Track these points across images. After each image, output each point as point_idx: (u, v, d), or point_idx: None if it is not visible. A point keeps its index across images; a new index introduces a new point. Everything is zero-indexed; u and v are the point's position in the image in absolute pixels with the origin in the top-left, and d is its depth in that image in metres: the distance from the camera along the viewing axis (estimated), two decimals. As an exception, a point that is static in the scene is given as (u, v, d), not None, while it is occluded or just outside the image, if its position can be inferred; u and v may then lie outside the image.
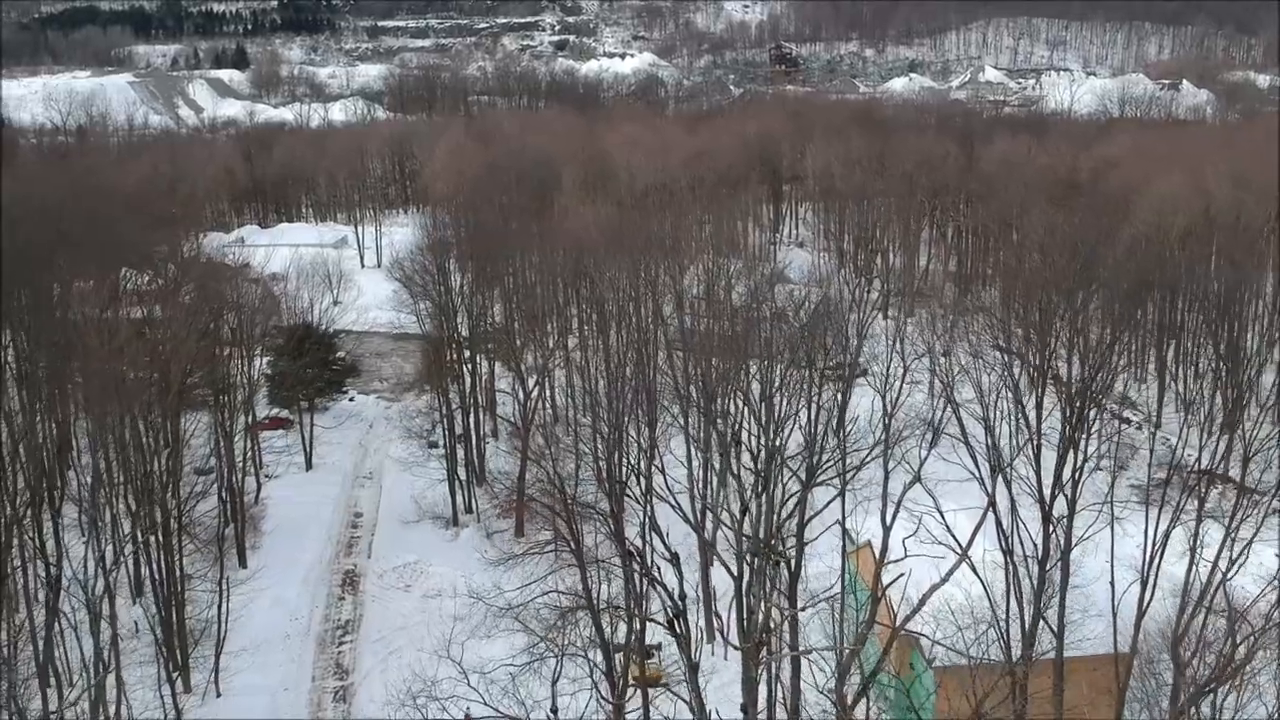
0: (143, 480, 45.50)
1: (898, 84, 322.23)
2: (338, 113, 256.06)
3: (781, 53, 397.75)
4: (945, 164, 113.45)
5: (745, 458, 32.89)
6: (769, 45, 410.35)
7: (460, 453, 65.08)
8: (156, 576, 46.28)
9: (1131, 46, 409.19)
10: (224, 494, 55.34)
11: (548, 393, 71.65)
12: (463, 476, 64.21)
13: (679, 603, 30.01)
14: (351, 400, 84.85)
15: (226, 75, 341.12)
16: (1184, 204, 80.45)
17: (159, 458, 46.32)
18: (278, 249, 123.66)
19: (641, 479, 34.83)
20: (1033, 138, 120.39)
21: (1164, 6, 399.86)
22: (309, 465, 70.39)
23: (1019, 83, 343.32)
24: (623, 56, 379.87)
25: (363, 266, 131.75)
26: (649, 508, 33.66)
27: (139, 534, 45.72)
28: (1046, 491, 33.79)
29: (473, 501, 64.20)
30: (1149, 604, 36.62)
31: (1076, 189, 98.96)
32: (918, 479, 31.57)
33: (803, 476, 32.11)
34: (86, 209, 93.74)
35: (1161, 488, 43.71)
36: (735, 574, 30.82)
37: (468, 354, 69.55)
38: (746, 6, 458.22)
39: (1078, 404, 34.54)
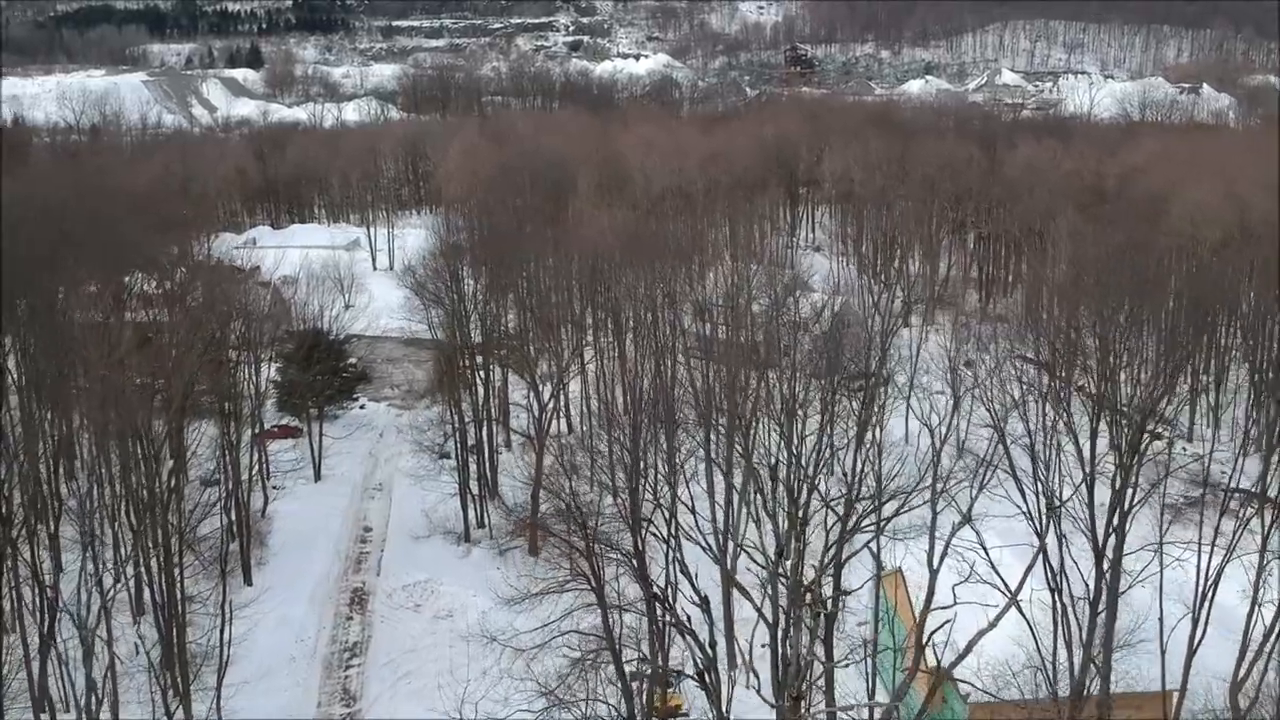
0: (146, 498, 43.80)
1: (914, 86, 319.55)
2: (351, 113, 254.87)
3: (797, 54, 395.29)
4: (968, 169, 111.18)
5: (780, 494, 30.78)
6: (784, 47, 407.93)
7: (472, 466, 63.30)
8: (157, 600, 44.59)
9: (1150, 49, 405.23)
10: (229, 509, 53.62)
11: (563, 404, 69.77)
12: (475, 490, 62.35)
13: (709, 651, 28.10)
14: (362, 408, 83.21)
15: (240, 75, 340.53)
16: (1219, 213, 77.98)
17: (160, 475, 44.52)
18: (289, 251, 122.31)
19: (666, 513, 32.73)
20: (1057, 142, 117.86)
21: (1182, 10, 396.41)
22: (317, 476, 68.63)
23: (1036, 85, 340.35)
24: (637, 57, 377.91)
25: (374, 269, 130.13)
26: (675, 544, 31.56)
27: (140, 554, 44.07)
28: (1100, 529, 31.70)
29: (485, 516, 62.36)
30: (1200, 642, 34.63)
31: (1103, 196, 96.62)
32: (968, 520, 29.54)
33: (844, 516, 30.03)
34: (94, 210, 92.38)
35: (1201, 507, 41.58)
36: (770, 621, 28.84)
37: (480, 361, 67.62)
38: (761, 8, 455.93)
39: (1133, 436, 32.40)
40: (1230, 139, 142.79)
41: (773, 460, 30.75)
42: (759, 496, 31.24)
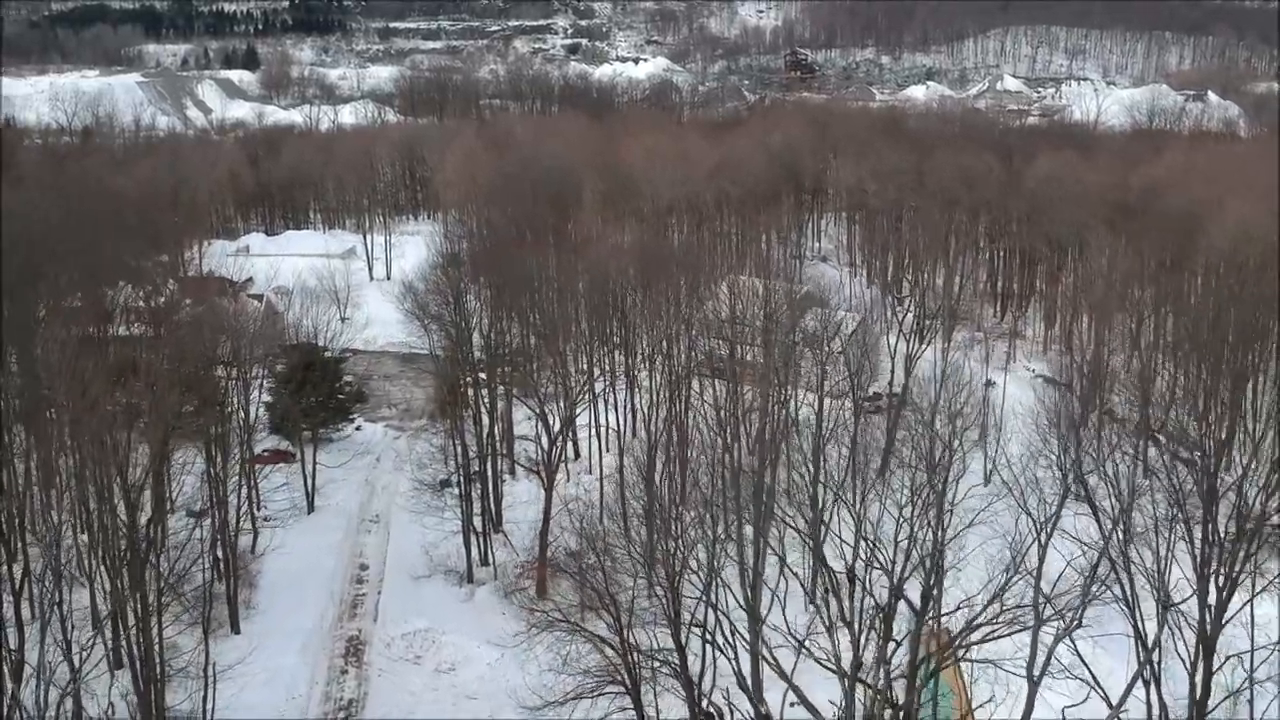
0: (124, 549, 39.97)
1: (917, 91, 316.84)
2: (348, 115, 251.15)
3: (797, 58, 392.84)
4: (986, 180, 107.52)
5: (862, 600, 26.83)
6: (784, 51, 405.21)
7: (474, 494, 59.34)
8: (135, 654, 40.75)
9: (1152, 56, 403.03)
10: (215, 550, 49.81)
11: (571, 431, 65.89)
12: (478, 527, 58.44)
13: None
14: (359, 429, 79.29)
15: (236, 76, 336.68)
16: (1262, 230, 74.25)
17: (138, 522, 40.60)
18: (284, 260, 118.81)
19: (711, 607, 28.37)
20: (1076, 153, 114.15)
21: (1184, 16, 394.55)
22: (311, 507, 64.62)
23: (1038, 92, 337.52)
24: (636, 61, 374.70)
25: (371, 279, 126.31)
26: (731, 654, 27.54)
27: (116, 608, 40.32)
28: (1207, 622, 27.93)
29: (489, 553, 58.48)
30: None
31: (1129, 210, 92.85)
32: (1073, 629, 25.69)
33: (918, 612, 26.16)
34: (80, 219, 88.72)
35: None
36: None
37: (485, 393, 63.61)
38: (761, 11, 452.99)
39: (1255, 529, 28.50)
40: (1252, 149, 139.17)
41: (849, 557, 26.86)
42: (829, 598, 27.41)
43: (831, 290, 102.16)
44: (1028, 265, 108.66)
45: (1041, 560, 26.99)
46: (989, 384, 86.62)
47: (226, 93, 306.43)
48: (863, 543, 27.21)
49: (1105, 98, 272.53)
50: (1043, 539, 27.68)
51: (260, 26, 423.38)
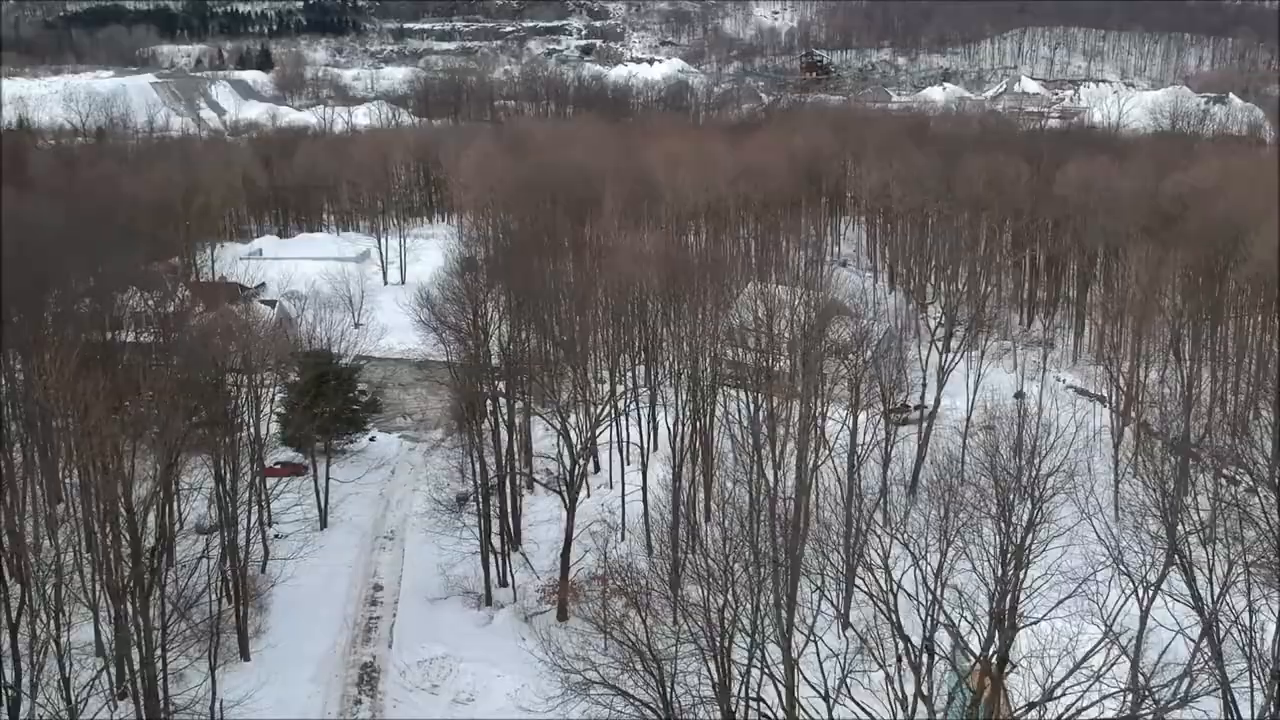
0: (126, 579, 37.99)
1: (934, 93, 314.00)
2: (362, 116, 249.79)
3: (813, 60, 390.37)
4: (1014, 184, 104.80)
5: (940, 670, 24.50)
6: (800, 52, 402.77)
7: (492, 511, 57.14)
8: (139, 687, 38.77)
9: (1171, 58, 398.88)
10: (224, 570, 47.84)
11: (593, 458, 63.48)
12: (496, 546, 56.22)
13: None
14: (373, 440, 77.24)
15: (250, 76, 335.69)
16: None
17: (142, 548, 38.60)
18: (297, 264, 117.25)
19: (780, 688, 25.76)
20: (1108, 159, 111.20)
21: (1204, 17, 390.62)
22: (323, 523, 62.58)
23: (1057, 94, 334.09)
24: (651, 62, 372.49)
25: (385, 283, 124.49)
26: None
27: (120, 646, 38.36)
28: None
29: (508, 574, 56.27)
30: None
31: (1169, 218, 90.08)
32: (1171, 709, 23.28)
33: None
34: (89, 223, 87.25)
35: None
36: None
37: (505, 408, 61.44)
38: (776, 12, 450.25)
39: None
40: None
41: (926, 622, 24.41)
42: (901, 666, 24.96)
43: (855, 297, 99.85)
44: (1056, 273, 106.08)
45: (1141, 631, 24.40)
46: (1019, 395, 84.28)
47: (240, 94, 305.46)
48: (929, 595, 24.65)
49: (1126, 100, 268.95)
50: (1143, 606, 24.93)
51: (274, 27, 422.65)
